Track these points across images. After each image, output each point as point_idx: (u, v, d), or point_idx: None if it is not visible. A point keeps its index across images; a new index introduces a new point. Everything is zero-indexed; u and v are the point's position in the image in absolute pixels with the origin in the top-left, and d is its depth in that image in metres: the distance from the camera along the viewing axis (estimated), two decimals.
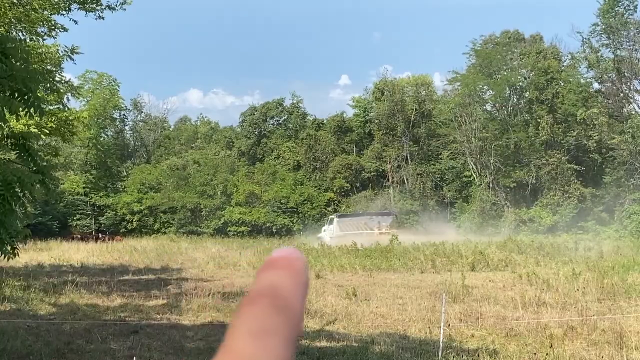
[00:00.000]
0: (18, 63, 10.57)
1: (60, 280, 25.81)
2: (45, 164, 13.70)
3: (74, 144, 66.22)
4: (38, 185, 13.12)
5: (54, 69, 21.43)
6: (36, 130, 17.06)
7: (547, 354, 12.88)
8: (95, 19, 20.77)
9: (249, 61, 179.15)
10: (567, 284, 25.01)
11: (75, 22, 20.98)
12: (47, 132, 19.95)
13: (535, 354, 13.16)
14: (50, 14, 20.54)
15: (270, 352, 0.59)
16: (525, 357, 13.30)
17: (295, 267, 0.67)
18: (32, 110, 10.64)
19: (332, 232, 63.63)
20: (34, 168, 12.62)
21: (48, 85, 15.60)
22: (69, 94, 22.73)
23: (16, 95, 10.37)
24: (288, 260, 0.67)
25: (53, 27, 21.73)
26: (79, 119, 22.74)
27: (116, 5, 20.55)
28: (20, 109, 10.60)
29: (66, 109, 21.03)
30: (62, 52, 21.22)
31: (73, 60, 17.76)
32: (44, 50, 21.37)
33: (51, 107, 20.01)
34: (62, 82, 21.71)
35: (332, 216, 68.21)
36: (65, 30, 22.03)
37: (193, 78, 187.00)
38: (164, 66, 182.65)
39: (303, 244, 51.06)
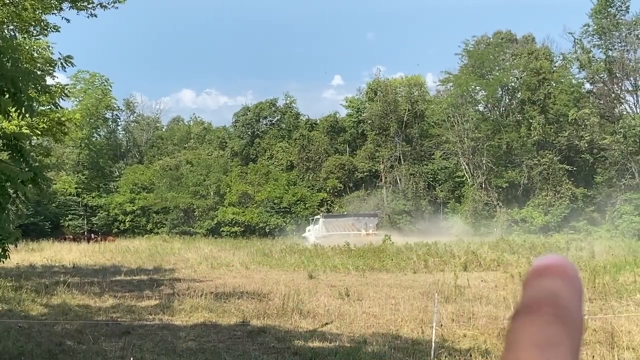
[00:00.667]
0: (8, 62, 10.53)
1: (52, 281, 25.76)
2: (37, 164, 13.67)
3: (66, 144, 66.10)
4: (30, 186, 13.09)
5: (48, 69, 21.41)
6: (28, 131, 17.03)
7: None
8: (87, 17, 20.74)
9: (242, 61, 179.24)
10: None
11: (68, 20, 20.96)
12: (39, 132, 19.93)
13: None
14: (42, 14, 20.52)
15: None
16: None
17: (570, 275, 0.64)
18: (22, 110, 10.61)
19: (317, 232, 63.81)
20: (26, 169, 12.59)
21: (39, 87, 15.58)
22: (61, 96, 22.75)
23: (5, 95, 10.33)
24: (561, 268, 0.64)
25: (45, 27, 21.71)
26: (71, 119, 22.72)
27: (108, 3, 20.54)
28: (11, 109, 10.56)
29: (58, 109, 21.00)
30: (56, 57, 21.18)
31: (68, 66, 17.72)
32: (35, 47, 21.34)
33: (43, 108, 19.97)
34: (55, 86, 21.74)
35: (318, 216, 68.35)
36: (57, 30, 22.02)
37: (186, 78, 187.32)
38: (157, 66, 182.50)
39: (296, 244, 51.02)
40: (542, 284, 0.63)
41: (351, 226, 65.60)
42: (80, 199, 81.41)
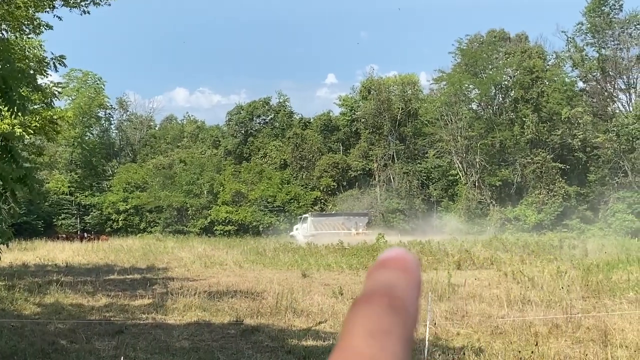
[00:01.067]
0: (0, 61, 10.50)
1: (45, 280, 25.67)
2: (28, 165, 13.61)
3: (58, 143, 65.96)
4: (20, 186, 13.03)
5: (41, 69, 21.35)
6: (21, 129, 16.99)
7: (532, 352, 12.91)
8: (80, 14, 20.70)
9: (235, 60, 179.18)
10: (552, 282, 25.09)
11: (60, 18, 20.90)
12: (32, 131, 19.87)
13: (520, 352, 13.19)
14: (35, 12, 20.47)
15: (389, 352, 0.58)
16: (511, 356, 13.32)
17: (409, 267, 0.66)
18: (14, 109, 10.57)
19: (305, 231, 63.93)
20: (17, 172, 12.53)
21: (32, 86, 15.52)
22: (53, 95, 22.69)
23: None
24: (401, 260, 0.67)
25: (38, 26, 21.66)
26: (63, 117, 22.66)
27: (100, 0, 20.51)
28: (3, 107, 10.52)
29: (51, 107, 20.95)
30: (49, 56, 21.13)
31: (60, 66, 17.67)
32: (28, 46, 21.29)
33: (35, 106, 19.92)
34: (47, 86, 21.67)
35: (306, 215, 68.50)
36: (50, 28, 21.98)
37: (179, 77, 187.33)
38: (150, 65, 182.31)
39: (290, 243, 51.04)
40: (381, 275, 0.65)
41: (341, 225, 65.78)
42: (73, 198, 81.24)
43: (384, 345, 0.59)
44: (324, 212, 73.81)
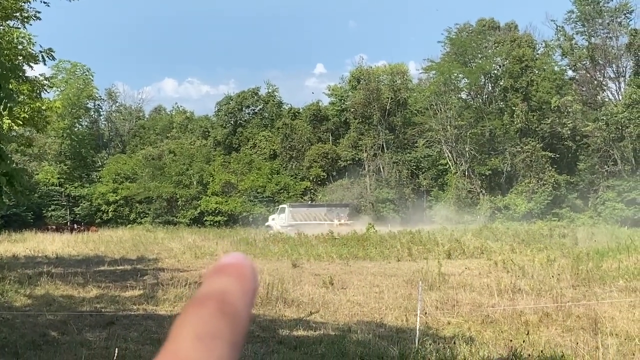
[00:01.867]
0: None
1: (36, 272, 25.60)
2: (15, 166, 13.52)
3: (47, 134, 65.74)
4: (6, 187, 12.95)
5: (30, 62, 21.27)
6: (9, 121, 16.90)
7: (523, 341, 12.96)
8: (69, 0, 20.62)
9: (223, 50, 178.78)
10: (542, 271, 25.19)
11: (47, 4, 20.80)
12: (21, 122, 19.79)
13: (511, 340, 13.23)
14: (24, 2, 20.38)
15: (215, 356, 0.59)
16: (501, 344, 13.36)
17: (244, 274, 0.67)
18: (3, 106, 10.51)
19: (283, 221, 64.03)
20: (4, 171, 12.44)
21: (20, 79, 15.47)
22: (42, 87, 22.62)
23: None
24: (237, 267, 0.68)
25: (27, 17, 21.58)
26: (51, 108, 22.59)
27: None
28: None
29: (39, 98, 20.87)
30: (38, 50, 21.04)
31: (49, 59, 17.60)
32: (17, 36, 21.20)
33: (23, 97, 19.85)
34: (37, 78, 21.58)
35: (283, 205, 68.40)
36: (38, 17, 21.89)
37: (168, 67, 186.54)
38: (138, 56, 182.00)
39: (280, 233, 51.03)
40: (216, 281, 0.65)
41: (323, 216, 65.86)
42: (62, 189, 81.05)
43: (211, 348, 0.59)
44: (302, 203, 73.66)
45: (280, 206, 69.11)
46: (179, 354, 0.59)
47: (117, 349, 12.61)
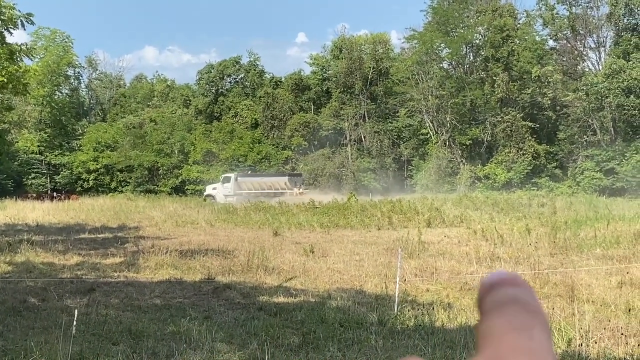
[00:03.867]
0: None
1: (16, 239, 25.58)
2: None
3: (27, 101, 65.32)
4: None
5: (9, 27, 21.10)
6: None
7: None
8: None
9: (204, 18, 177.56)
10: (521, 239, 25.43)
11: None
12: None
13: None
14: None
15: (539, 342, 0.60)
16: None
17: (520, 281, 0.68)
18: None
19: (227, 191, 64.13)
20: None
21: None
22: (24, 54, 22.45)
23: None
24: (509, 278, 0.68)
25: None
26: (29, 71, 22.43)
27: None
28: None
29: (16, 61, 20.72)
30: (17, 13, 20.86)
31: (28, 24, 17.45)
32: None
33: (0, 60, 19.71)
34: (17, 46, 21.39)
35: (229, 175, 68.21)
36: None
37: (148, 35, 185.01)
38: (118, 23, 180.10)
39: (261, 202, 51.06)
40: (499, 292, 0.66)
41: (284, 185, 65.96)
42: (43, 157, 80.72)
43: (532, 336, 0.61)
44: (250, 173, 73.45)
45: (224, 175, 68.91)
46: (507, 344, 0.60)
47: (97, 315, 12.69)
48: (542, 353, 0.60)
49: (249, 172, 73.82)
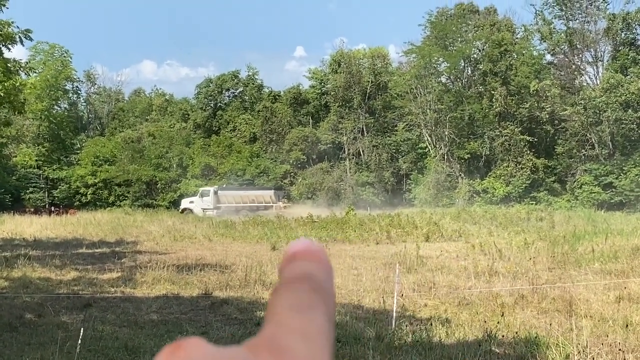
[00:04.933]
0: None
1: (13, 254, 25.51)
2: None
3: (26, 116, 65.34)
4: None
5: (9, 44, 21.12)
6: None
7: (498, 322, 13.10)
8: None
9: (203, 32, 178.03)
10: (519, 254, 25.41)
11: None
12: None
13: (486, 322, 13.37)
14: None
15: (315, 325, 0.61)
16: (477, 325, 13.49)
17: (320, 257, 0.69)
18: None
19: (207, 204, 63.95)
20: None
21: None
22: (21, 71, 22.46)
23: None
24: (311, 251, 0.70)
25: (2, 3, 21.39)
26: (27, 86, 22.41)
27: None
28: None
29: (14, 76, 20.70)
30: (16, 29, 20.88)
31: (27, 40, 17.47)
32: None
33: None
34: (15, 61, 21.39)
35: (207, 188, 67.87)
36: None
37: (146, 49, 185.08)
38: (117, 38, 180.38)
39: (259, 216, 51.00)
40: (294, 265, 0.68)
41: (269, 199, 65.88)
42: (41, 171, 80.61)
43: (310, 318, 0.62)
44: (230, 186, 73.23)
45: (202, 189, 68.59)
46: (282, 324, 0.61)
47: (94, 330, 12.64)
48: (317, 336, 0.61)
49: (225, 185, 73.71)
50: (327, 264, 0.70)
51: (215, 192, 65.87)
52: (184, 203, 67.62)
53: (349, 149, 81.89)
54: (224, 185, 71.96)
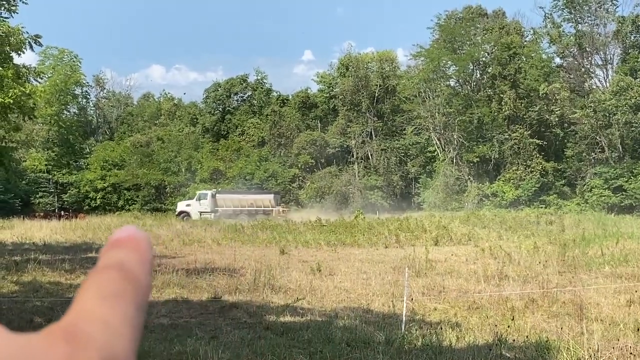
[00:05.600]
0: None
1: (23, 258, 25.53)
2: (4, 144, 13.51)
3: (35, 121, 65.58)
4: None
5: (18, 50, 21.20)
6: None
7: (508, 326, 13.04)
8: None
9: (211, 37, 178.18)
10: (529, 258, 25.32)
11: None
12: (6, 105, 19.71)
13: (496, 326, 13.32)
14: None
15: (120, 313, 0.61)
16: (487, 329, 13.44)
17: (140, 245, 0.70)
18: None
19: (204, 207, 63.84)
20: None
21: (7, 66, 15.40)
22: (31, 76, 22.54)
23: None
24: (132, 240, 0.70)
25: (13, 6, 21.46)
26: (35, 92, 22.48)
27: None
28: None
29: (24, 82, 20.76)
30: (25, 35, 20.97)
31: (36, 45, 17.54)
32: (5, 30, 21.13)
33: (8, 80, 19.77)
34: (25, 67, 21.45)
35: (205, 192, 67.53)
36: (25, 3, 21.80)
37: (155, 54, 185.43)
38: (125, 42, 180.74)
39: (268, 220, 50.97)
40: (113, 253, 0.67)
41: (269, 202, 65.80)
42: (50, 176, 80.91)
43: (115, 306, 0.61)
44: (227, 190, 73.15)
45: (200, 192, 68.29)
46: (85, 312, 0.60)
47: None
48: (121, 325, 0.60)
49: (244, 188, 73.98)
50: (146, 253, 0.70)
51: (213, 196, 65.68)
52: (181, 206, 67.28)
53: (357, 153, 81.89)
54: (220, 189, 71.80)
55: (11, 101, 20.13)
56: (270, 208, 64.12)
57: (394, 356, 10.78)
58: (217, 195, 66.00)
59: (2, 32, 20.58)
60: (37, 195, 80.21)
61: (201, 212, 63.06)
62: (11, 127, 24.16)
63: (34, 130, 76.59)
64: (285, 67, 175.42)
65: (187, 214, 63.52)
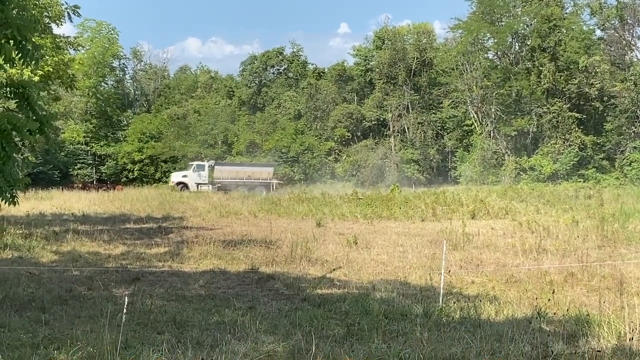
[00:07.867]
0: (14, 10, 10.40)
1: (62, 229, 25.82)
2: (45, 113, 13.56)
3: (73, 92, 66.10)
4: (38, 135, 13.06)
5: (58, 20, 21.31)
6: (29, 74, 16.91)
7: (548, 300, 12.91)
8: None
9: (247, 10, 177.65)
10: (567, 232, 25.05)
11: None
12: (42, 73, 19.85)
13: (536, 299, 13.19)
14: None
15: None
16: (525, 303, 13.33)
17: None
18: (27, 58, 10.52)
19: (202, 179, 63.79)
20: (34, 117, 12.51)
21: (45, 34, 15.44)
22: (69, 47, 22.66)
23: (11, 42, 10.23)
24: None
25: None
26: (74, 60, 22.62)
27: None
28: (15, 56, 10.46)
29: (62, 51, 20.90)
30: (64, 6, 21.08)
31: (75, 16, 17.55)
32: (45, 0, 21.26)
33: (47, 49, 19.91)
34: (62, 37, 21.52)
35: (201, 162, 67.30)
36: None
37: (191, 27, 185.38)
38: (162, 15, 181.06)
39: (304, 193, 51.01)
40: None
41: (268, 175, 65.91)
42: (88, 147, 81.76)
43: None
44: (226, 162, 73.14)
45: (197, 163, 67.97)
46: None
47: (142, 304, 12.73)
48: None
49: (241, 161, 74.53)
50: None
51: (211, 167, 65.65)
52: (176, 177, 67.12)
53: (393, 126, 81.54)
54: (218, 161, 71.77)
55: (51, 69, 20.25)
56: (269, 181, 64.31)
57: (432, 329, 10.73)
58: (216, 166, 66.03)
59: (42, 3, 20.68)
60: (76, 167, 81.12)
61: (199, 184, 63.19)
62: (51, 97, 24.35)
63: (72, 102, 77.34)
64: (321, 40, 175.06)
65: (185, 185, 63.59)
